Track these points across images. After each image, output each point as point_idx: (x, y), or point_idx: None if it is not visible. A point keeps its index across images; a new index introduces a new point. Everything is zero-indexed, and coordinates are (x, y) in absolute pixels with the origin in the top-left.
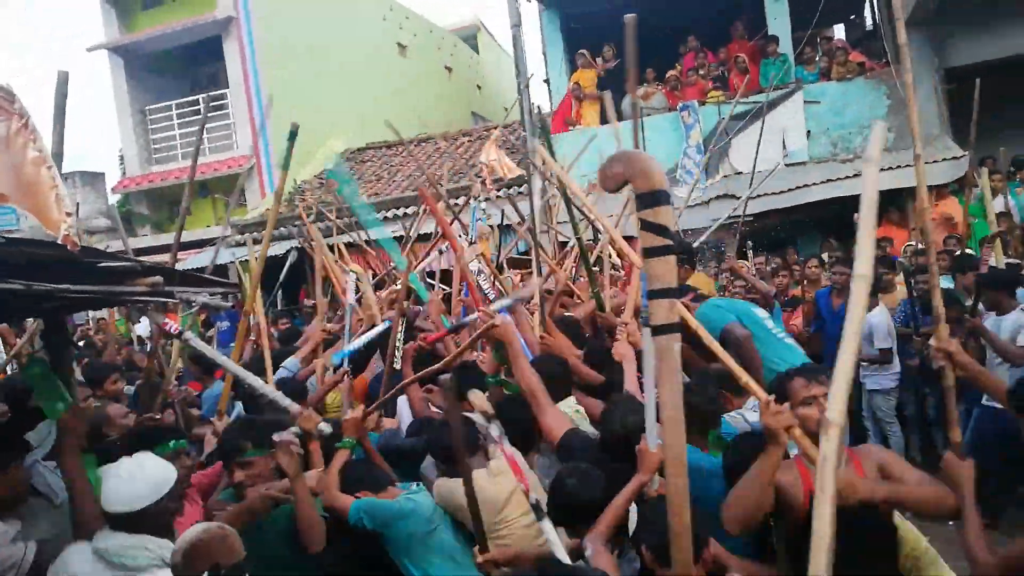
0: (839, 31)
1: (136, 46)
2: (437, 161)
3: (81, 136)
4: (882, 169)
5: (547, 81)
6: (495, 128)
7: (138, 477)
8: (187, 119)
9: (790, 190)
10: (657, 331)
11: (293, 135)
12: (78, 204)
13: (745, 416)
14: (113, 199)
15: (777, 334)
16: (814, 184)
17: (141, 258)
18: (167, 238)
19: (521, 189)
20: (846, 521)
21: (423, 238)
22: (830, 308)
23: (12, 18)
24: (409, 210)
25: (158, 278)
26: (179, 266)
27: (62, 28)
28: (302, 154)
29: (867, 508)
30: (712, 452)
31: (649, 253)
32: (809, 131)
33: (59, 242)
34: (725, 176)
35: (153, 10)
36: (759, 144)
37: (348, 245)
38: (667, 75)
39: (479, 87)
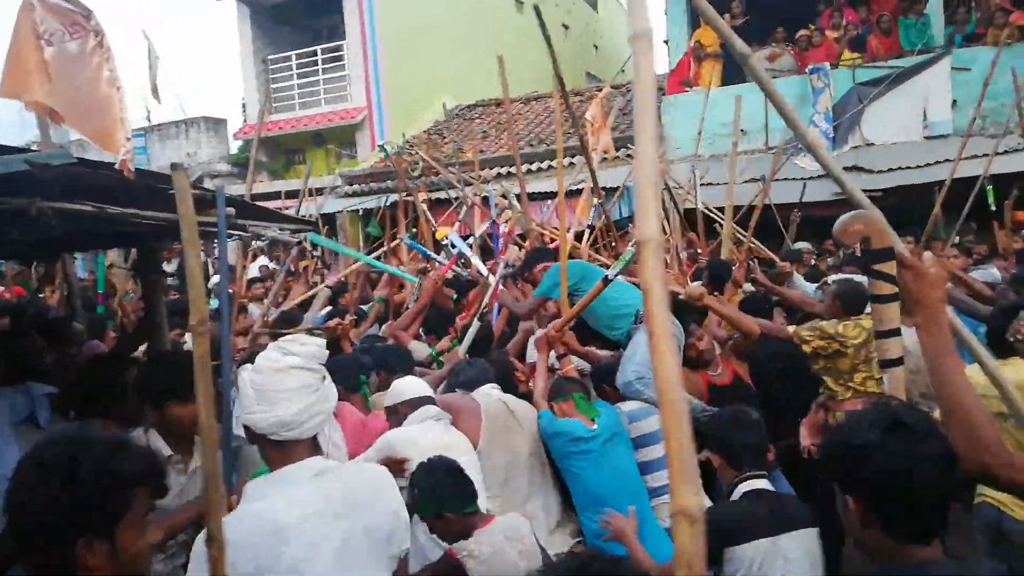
0: None
1: None
2: (546, 121)
3: (207, 83)
4: None
5: (667, 41)
6: (604, 87)
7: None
8: (305, 69)
9: (928, 165)
10: (888, 365)
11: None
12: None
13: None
14: (235, 146)
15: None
16: (953, 160)
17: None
18: (281, 185)
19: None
20: None
21: (531, 197)
22: None
23: None
24: (512, 169)
25: (230, 209)
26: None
27: None
28: (413, 109)
29: None
30: None
31: (880, 300)
32: (955, 101)
33: (116, 166)
34: (855, 147)
35: None
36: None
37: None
38: (798, 35)
39: (596, 47)
